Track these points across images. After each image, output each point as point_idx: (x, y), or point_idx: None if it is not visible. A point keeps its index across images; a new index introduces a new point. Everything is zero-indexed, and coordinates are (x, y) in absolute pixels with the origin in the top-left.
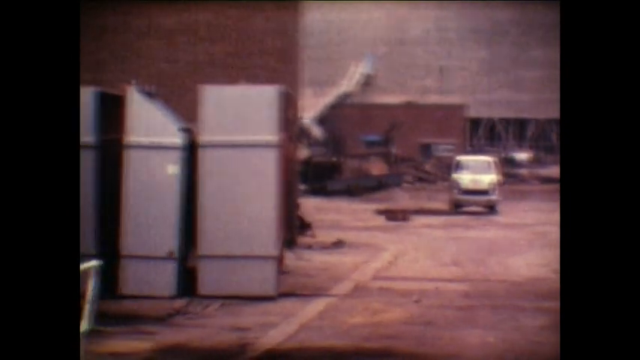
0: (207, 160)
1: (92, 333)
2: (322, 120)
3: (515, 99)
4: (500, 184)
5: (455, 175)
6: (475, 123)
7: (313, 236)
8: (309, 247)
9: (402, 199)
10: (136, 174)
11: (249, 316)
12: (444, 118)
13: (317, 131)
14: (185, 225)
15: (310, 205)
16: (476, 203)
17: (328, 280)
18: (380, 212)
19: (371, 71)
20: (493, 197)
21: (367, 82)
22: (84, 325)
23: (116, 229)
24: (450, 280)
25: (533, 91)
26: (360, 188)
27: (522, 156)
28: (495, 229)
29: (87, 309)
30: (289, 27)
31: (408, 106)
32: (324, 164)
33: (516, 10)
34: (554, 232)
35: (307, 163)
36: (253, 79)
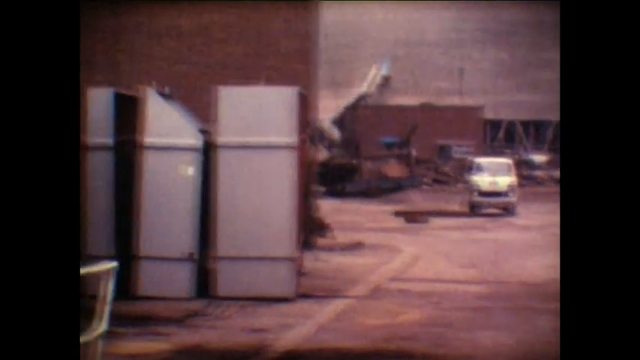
0: (224, 162)
1: (108, 334)
2: (340, 122)
3: (533, 100)
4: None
5: (473, 177)
6: (493, 125)
7: (332, 238)
8: (328, 248)
9: (419, 200)
10: (152, 175)
11: (267, 317)
12: (462, 119)
13: (335, 133)
14: (202, 226)
15: (328, 207)
16: (493, 205)
17: (346, 282)
18: (398, 214)
19: (388, 73)
20: (511, 199)
21: (385, 84)
22: (101, 327)
23: (133, 231)
24: (468, 282)
25: (551, 92)
26: (378, 190)
27: (540, 158)
28: (512, 231)
29: (104, 310)
30: (306, 28)
31: (426, 107)
32: (342, 166)
33: (534, 11)
34: None
35: (325, 164)
36: (270, 80)
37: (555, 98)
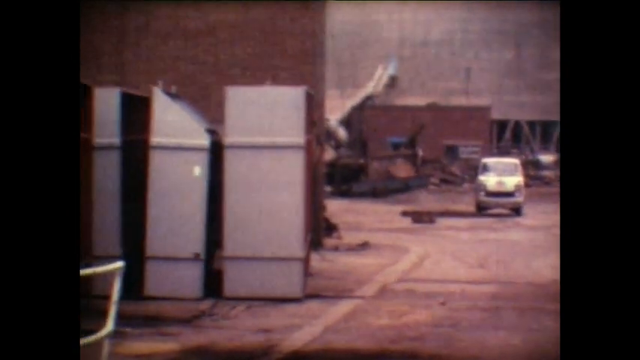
0: (232, 162)
1: (116, 335)
2: (347, 122)
3: (540, 101)
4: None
5: (480, 177)
6: (501, 125)
7: (339, 238)
8: (335, 248)
9: (427, 201)
10: (161, 175)
11: (275, 317)
12: (469, 120)
13: (342, 133)
14: (210, 226)
15: (336, 207)
16: (501, 205)
17: (354, 282)
18: (405, 214)
19: (395, 73)
20: (518, 199)
21: (391, 84)
22: (107, 327)
23: (141, 231)
24: (475, 282)
25: (558, 92)
26: (386, 190)
27: (547, 158)
28: (520, 231)
29: (111, 310)
30: (313, 28)
31: (433, 107)
32: (349, 166)
33: (541, 11)
34: None
35: (333, 164)
36: (277, 80)
37: None
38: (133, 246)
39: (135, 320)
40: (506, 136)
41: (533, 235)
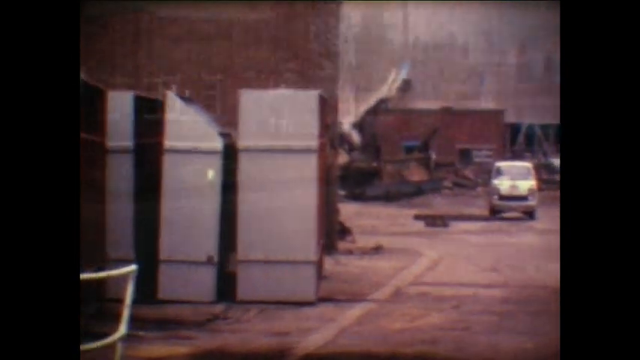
0: (245, 165)
1: (129, 338)
2: (361, 125)
3: (554, 104)
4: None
5: (494, 181)
6: (514, 128)
7: (353, 241)
8: (349, 252)
9: (440, 204)
10: (174, 178)
11: (288, 321)
12: (482, 123)
13: (356, 137)
14: (224, 230)
15: (349, 211)
16: (514, 209)
17: (367, 286)
18: (419, 218)
19: (408, 76)
20: (532, 203)
21: (405, 88)
22: (121, 330)
23: (154, 234)
24: (489, 286)
25: None
26: (399, 194)
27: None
28: (533, 235)
29: (125, 314)
30: (327, 31)
31: (446, 111)
32: (363, 170)
33: (554, 14)
34: None
35: (346, 168)
36: (291, 83)
37: None
38: (147, 249)
39: (148, 324)
40: (520, 140)
41: (546, 239)
